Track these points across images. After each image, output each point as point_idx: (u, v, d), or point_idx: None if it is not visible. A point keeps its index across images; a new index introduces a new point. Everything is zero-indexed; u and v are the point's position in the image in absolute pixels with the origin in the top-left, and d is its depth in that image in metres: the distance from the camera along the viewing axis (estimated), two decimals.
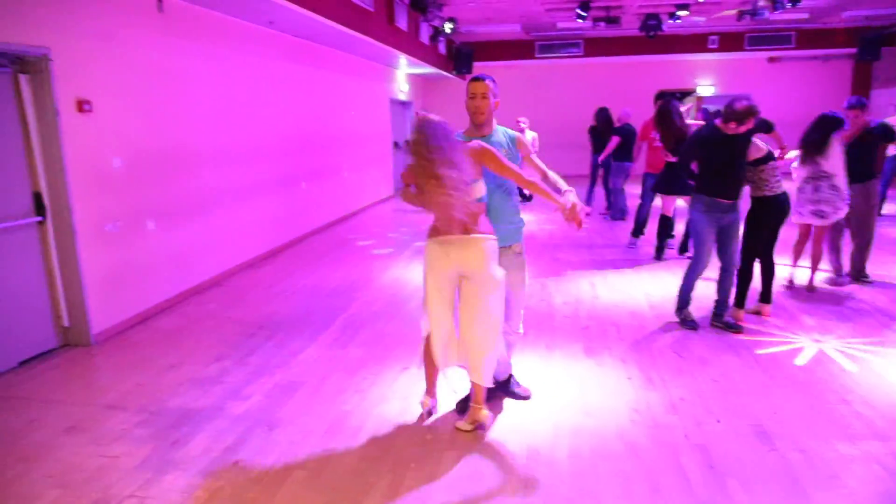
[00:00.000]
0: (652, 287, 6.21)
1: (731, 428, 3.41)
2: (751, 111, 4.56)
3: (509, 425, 3.54)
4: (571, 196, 3.31)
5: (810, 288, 6.00)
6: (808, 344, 4.62)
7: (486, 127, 3.49)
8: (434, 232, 3.37)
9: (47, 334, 4.94)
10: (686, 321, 5.04)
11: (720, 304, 5.03)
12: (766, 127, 4.89)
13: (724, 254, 4.92)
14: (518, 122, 11.15)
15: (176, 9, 6.14)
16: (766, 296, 5.23)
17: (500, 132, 3.55)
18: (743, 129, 4.64)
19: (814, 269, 5.99)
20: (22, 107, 4.64)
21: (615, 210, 10.21)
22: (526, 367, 4.28)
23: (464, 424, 3.49)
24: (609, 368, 4.28)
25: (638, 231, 8.07)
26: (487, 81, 3.43)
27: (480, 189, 3.28)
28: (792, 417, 3.51)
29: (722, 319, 5.03)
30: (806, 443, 3.24)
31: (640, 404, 3.72)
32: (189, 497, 2.98)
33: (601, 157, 9.93)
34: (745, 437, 3.31)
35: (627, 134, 9.49)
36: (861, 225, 6.10)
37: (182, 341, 5.10)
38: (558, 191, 3.40)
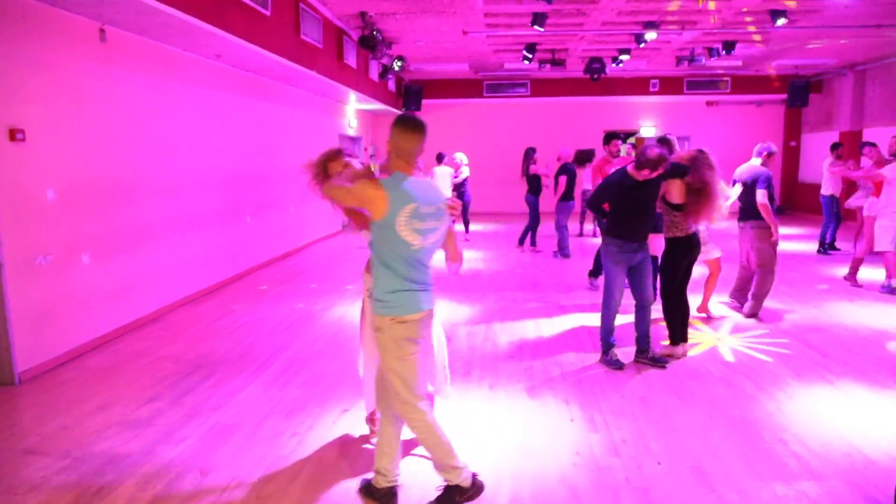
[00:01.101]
0: (596, 326, 6.27)
1: (671, 470, 3.43)
2: (662, 159, 4.75)
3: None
4: None
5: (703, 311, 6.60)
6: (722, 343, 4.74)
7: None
8: None
9: None
10: (612, 362, 5.09)
11: (642, 339, 5.17)
12: (680, 172, 5.10)
13: (638, 290, 5.09)
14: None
15: (119, 39, 6.02)
16: (682, 335, 5.36)
17: None
18: (654, 175, 4.83)
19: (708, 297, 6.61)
20: None
21: (562, 248, 10.34)
22: (468, 408, 4.25)
23: None
24: (552, 409, 4.27)
25: (598, 272, 8.12)
26: None
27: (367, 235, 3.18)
28: (730, 458, 3.56)
29: (647, 355, 5.15)
30: (744, 484, 3.29)
31: (583, 447, 3.71)
32: None
33: (557, 197, 9.99)
34: (685, 479, 3.33)
35: (570, 174, 9.73)
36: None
37: (114, 381, 4.88)
38: None
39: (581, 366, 5.15)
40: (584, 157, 10.74)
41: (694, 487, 3.25)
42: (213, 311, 7.00)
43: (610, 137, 8.16)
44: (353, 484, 3.34)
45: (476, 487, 3.09)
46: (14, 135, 4.77)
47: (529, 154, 10.80)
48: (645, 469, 3.44)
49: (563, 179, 9.73)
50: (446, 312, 6.80)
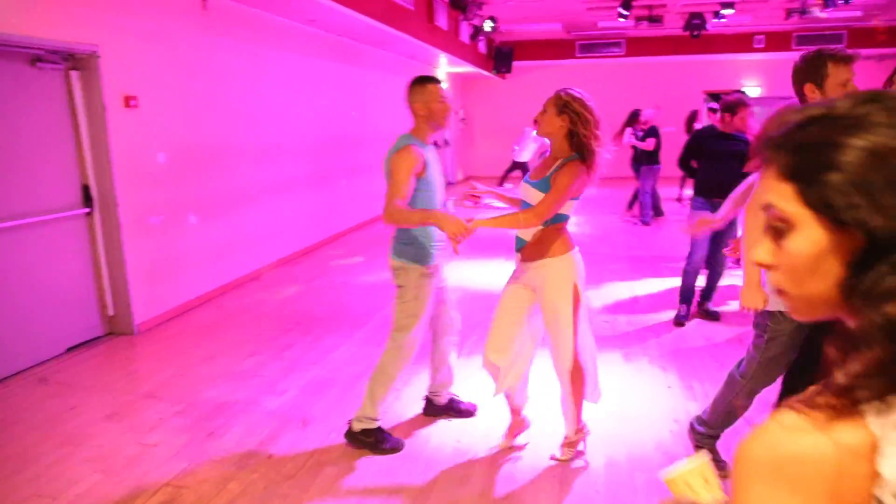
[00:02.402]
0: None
1: None
2: (740, 101, 4.95)
3: (546, 431, 3.48)
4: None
5: None
6: None
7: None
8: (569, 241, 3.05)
9: (94, 322, 5.06)
10: (679, 316, 5.25)
11: (708, 292, 5.41)
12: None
13: (716, 251, 5.16)
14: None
15: (219, 6, 6.21)
16: None
17: None
18: (736, 121, 4.94)
19: None
20: (72, 102, 4.77)
21: (645, 213, 9.99)
22: None
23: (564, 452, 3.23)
24: (648, 376, 4.19)
25: None
26: None
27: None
28: None
29: (704, 307, 5.42)
30: None
31: (680, 414, 3.62)
32: (223, 489, 3.00)
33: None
34: None
35: (657, 136, 9.35)
36: None
37: (219, 334, 5.17)
38: None
39: (677, 332, 5.01)
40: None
41: None
42: (307, 272, 7.25)
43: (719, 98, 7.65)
44: (446, 440, 3.41)
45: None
46: (128, 101, 5.05)
47: (635, 117, 9.93)
48: None
49: (651, 141, 9.36)
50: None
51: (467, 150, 18.06)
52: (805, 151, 0.70)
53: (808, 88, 2.58)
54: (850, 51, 2.61)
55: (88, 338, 4.98)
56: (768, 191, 0.74)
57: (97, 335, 5.06)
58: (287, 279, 6.94)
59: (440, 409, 3.69)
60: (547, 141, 3.08)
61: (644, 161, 9.53)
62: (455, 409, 3.69)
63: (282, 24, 7.47)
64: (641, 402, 3.80)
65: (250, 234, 6.95)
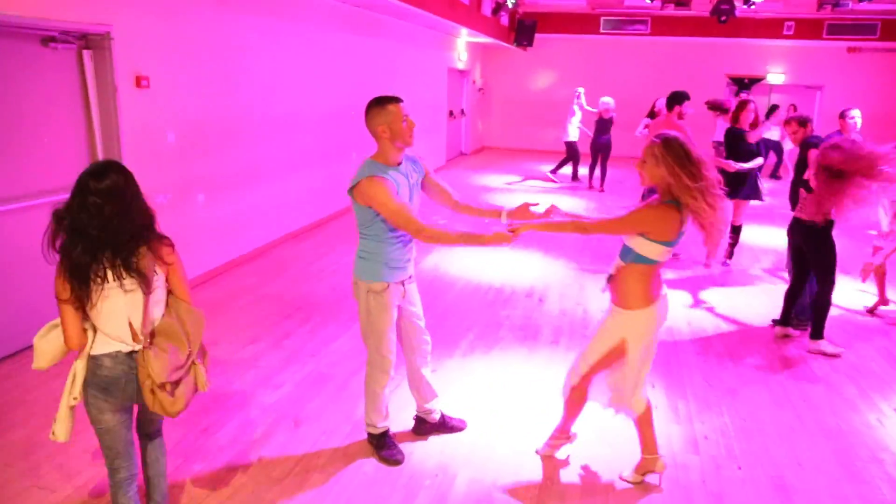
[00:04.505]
0: (692, 301, 6.10)
1: (750, 476, 3.36)
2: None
3: (529, 449, 3.56)
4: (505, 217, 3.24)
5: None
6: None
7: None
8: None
9: None
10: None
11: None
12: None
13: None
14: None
15: None
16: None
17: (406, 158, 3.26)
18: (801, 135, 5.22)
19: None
20: (84, 81, 4.78)
21: None
22: (551, 380, 4.29)
23: (633, 476, 3.29)
24: None
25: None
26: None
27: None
28: (815, 472, 3.43)
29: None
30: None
31: (662, 438, 3.65)
32: (213, 491, 3.13)
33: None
34: (763, 489, 3.27)
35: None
36: None
37: (221, 317, 5.27)
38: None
39: (672, 345, 5.04)
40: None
41: (771, 500, 3.19)
42: (314, 250, 7.31)
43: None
44: (431, 448, 3.51)
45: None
46: (140, 82, 5.06)
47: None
48: (723, 472, 3.39)
49: None
50: (539, 269, 6.82)
51: (484, 119, 17.89)
52: None
53: None
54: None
55: None
56: None
57: None
58: (293, 257, 7.02)
59: (433, 426, 3.70)
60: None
61: None
62: (447, 426, 3.72)
63: None
64: (624, 422, 3.83)
65: (258, 210, 7.00)
